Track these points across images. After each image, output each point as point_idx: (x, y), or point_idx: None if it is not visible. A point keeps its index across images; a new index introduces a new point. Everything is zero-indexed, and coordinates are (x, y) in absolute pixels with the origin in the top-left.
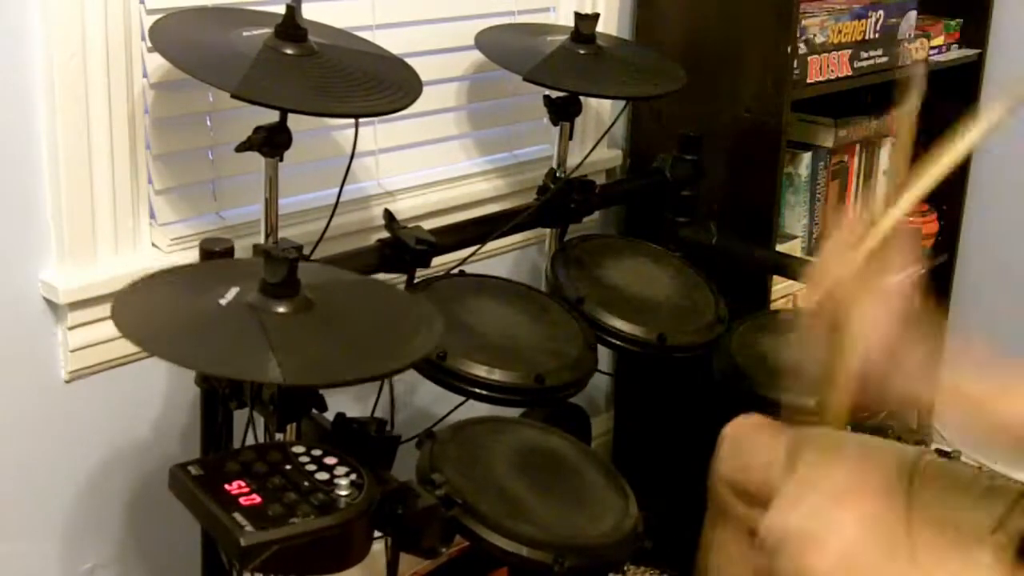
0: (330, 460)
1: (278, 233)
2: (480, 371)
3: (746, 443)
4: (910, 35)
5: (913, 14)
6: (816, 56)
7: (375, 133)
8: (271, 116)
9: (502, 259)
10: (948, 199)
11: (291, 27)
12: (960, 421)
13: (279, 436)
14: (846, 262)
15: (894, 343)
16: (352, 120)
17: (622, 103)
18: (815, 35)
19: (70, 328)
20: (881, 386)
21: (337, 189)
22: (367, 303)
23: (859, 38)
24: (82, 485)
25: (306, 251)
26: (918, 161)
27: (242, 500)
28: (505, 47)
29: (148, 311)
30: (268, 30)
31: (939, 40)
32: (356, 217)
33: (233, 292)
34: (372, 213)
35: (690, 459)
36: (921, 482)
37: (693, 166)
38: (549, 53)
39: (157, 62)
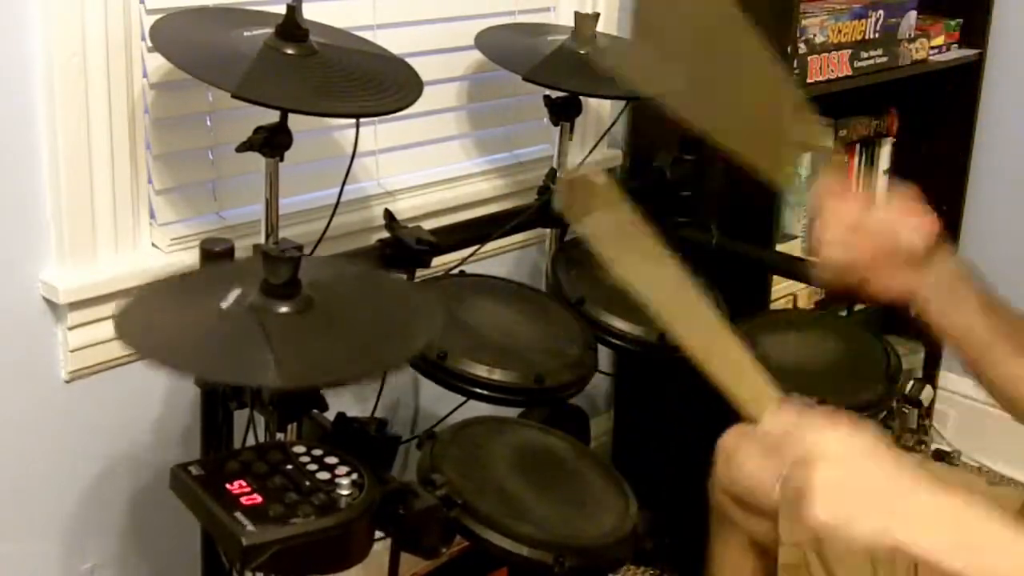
0: (331, 460)
1: (278, 233)
2: (480, 371)
3: (743, 451)
4: (910, 35)
5: (913, 14)
6: (816, 56)
7: (375, 133)
8: (271, 116)
9: (502, 259)
10: (948, 199)
11: (292, 27)
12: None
13: (280, 436)
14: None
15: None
16: (352, 120)
17: (622, 103)
18: (815, 35)
19: (70, 328)
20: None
21: (337, 189)
22: (368, 297)
23: (859, 38)
24: (82, 485)
25: (306, 251)
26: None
27: (243, 500)
28: (505, 47)
29: (150, 319)
30: (268, 30)
31: (939, 40)
32: (356, 217)
33: (234, 294)
34: (372, 213)
35: (690, 460)
36: None
37: (693, 166)
38: (549, 53)
39: (157, 62)
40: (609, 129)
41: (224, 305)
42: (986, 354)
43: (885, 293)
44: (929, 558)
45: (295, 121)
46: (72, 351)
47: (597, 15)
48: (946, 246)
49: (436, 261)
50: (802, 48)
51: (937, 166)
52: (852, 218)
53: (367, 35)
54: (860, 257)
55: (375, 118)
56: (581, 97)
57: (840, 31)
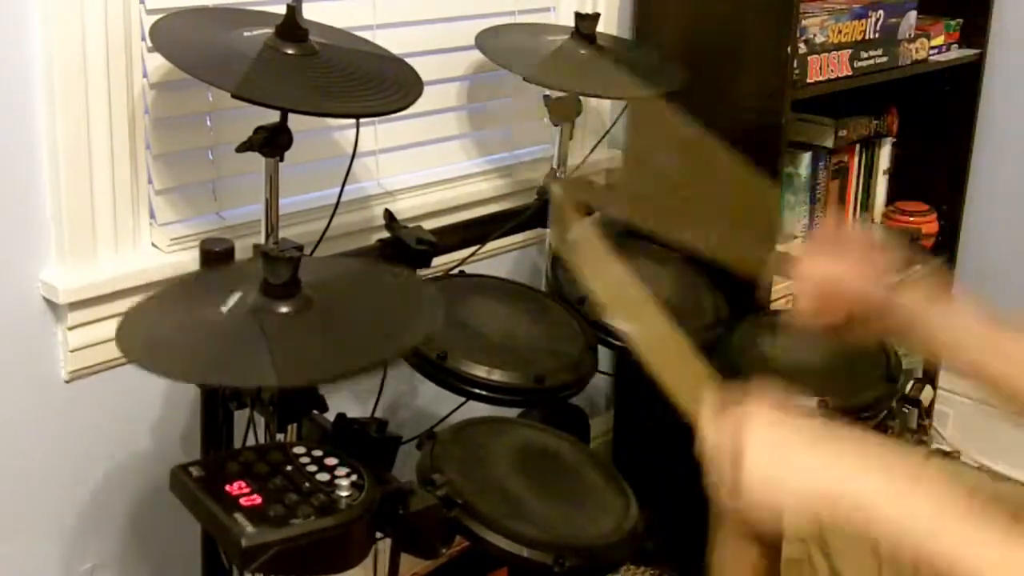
0: (331, 461)
1: (278, 233)
2: (480, 371)
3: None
4: (910, 35)
5: (913, 14)
6: (816, 56)
7: (375, 133)
8: (271, 116)
9: (502, 259)
10: (948, 199)
11: (292, 27)
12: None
13: (279, 437)
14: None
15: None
16: (352, 120)
17: (622, 103)
18: (815, 35)
19: (70, 328)
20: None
21: (337, 189)
22: (367, 296)
23: (859, 38)
24: (82, 485)
25: (306, 251)
26: None
27: (243, 501)
28: (505, 47)
29: (151, 326)
30: (268, 30)
31: (939, 40)
32: (356, 217)
33: (235, 298)
34: (372, 213)
35: (690, 460)
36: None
37: None
38: (549, 53)
39: (157, 62)
40: (609, 129)
41: (225, 309)
42: (987, 346)
43: (867, 337)
44: (864, 501)
45: (295, 121)
46: (72, 351)
47: (597, 15)
48: (916, 264)
49: (436, 261)
50: (802, 48)
51: (937, 166)
52: (822, 283)
53: (367, 35)
54: (835, 318)
55: (375, 118)
56: (581, 97)
57: (840, 31)
